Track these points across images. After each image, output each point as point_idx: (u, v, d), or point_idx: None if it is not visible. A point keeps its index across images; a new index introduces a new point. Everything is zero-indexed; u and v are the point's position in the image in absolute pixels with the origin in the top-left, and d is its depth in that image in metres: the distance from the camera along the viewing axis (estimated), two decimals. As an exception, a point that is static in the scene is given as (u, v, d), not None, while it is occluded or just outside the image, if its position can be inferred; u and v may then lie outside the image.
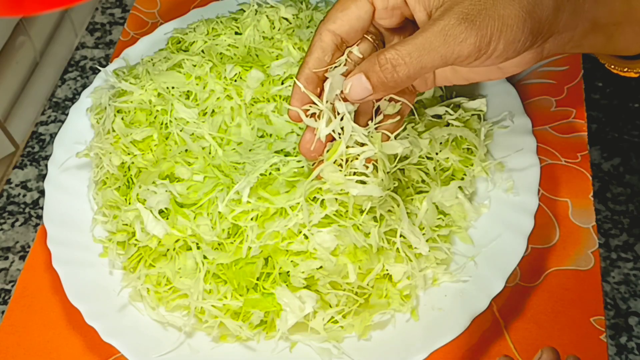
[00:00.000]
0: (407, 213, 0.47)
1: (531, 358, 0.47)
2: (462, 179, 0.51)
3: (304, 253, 0.45)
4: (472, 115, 0.54)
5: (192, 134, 0.54)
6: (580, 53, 0.43)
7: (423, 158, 0.51)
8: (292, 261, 0.45)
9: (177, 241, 0.48)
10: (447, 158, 0.51)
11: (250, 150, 0.52)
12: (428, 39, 0.36)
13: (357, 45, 0.41)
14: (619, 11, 0.40)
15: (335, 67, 0.41)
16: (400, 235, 0.46)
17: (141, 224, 0.48)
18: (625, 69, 0.45)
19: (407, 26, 0.42)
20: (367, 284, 0.46)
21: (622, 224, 0.54)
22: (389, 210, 0.47)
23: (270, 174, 0.48)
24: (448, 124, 0.53)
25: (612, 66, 0.46)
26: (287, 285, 0.45)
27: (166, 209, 0.48)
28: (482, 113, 0.55)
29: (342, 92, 0.40)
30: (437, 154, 0.51)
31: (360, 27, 0.40)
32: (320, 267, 0.45)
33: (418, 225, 0.47)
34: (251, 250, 0.45)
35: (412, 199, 0.49)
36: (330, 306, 0.46)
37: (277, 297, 0.45)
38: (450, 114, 0.53)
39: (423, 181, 0.50)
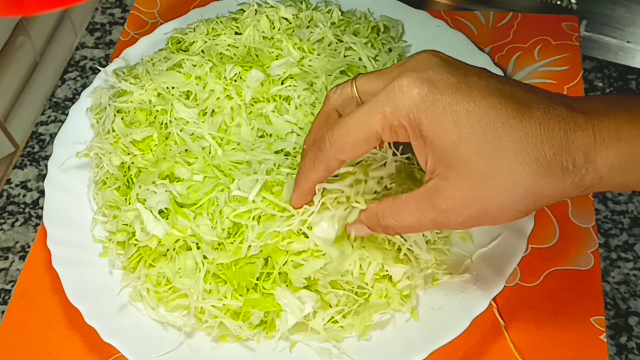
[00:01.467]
0: None
1: (531, 358, 0.47)
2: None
3: (305, 252, 0.45)
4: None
5: (192, 134, 0.54)
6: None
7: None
8: (292, 261, 0.45)
9: (177, 241, 0.48)
10: None
11: (251, 150, 0.52)
12: (415, 200, 0.37)
13: None
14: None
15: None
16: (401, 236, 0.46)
17: (141, 224, 0.48)
18: None
19: None
20: (367, 284, 0.46)
21: (622, 224, 0.54)
22: None
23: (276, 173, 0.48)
24: None
25: None
26: (287, 285, 0.45)
27: (166, 209, 0.48)
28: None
29: None
30: None
31: (362, 154, 0.40)
32: (325, 264, 0.45)
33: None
34: (251, 249, 0.45)
35: None
36: (330, 306, 0.46)
37: (277, 298, 0.45)
38: None
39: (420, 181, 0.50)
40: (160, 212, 0.48)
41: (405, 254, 0.46)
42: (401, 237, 0.46)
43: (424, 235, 0.47)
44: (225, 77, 0.56)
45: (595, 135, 0.33)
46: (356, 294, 0.46)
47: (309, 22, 0.61)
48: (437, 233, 0.48)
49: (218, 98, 0.55)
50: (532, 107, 0.34)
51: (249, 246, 0.45)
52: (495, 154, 0.34)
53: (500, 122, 0.34)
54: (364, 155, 0.42)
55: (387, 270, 0.46)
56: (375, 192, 0.46)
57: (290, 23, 0.61)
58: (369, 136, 0.37)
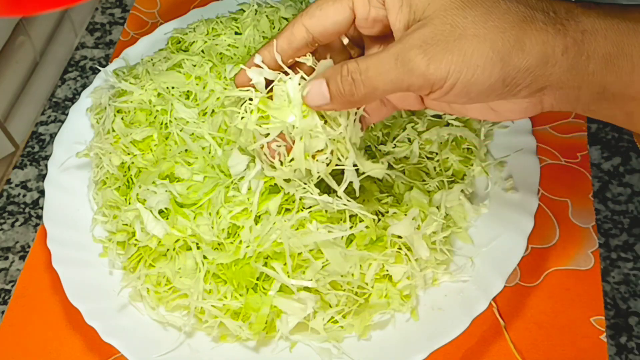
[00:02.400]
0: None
1: (531, 358, 0.47)
2: (463, 179, 0.51)
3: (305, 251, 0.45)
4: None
5: (192, 134, 0.54)
6: (601, 120, 0.37)
7: (423, 158, 0.51)
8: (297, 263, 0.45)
9: (177, 241, 0.48)
10: (447, 158, 0.51)
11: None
12: (382, 61, 0.34)
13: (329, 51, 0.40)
14: (637, 85, 0.34)
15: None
16: (399, 237, 0.46)
17: (141, 224, 0.48)
18: None
19: (390, 36, 0.38)
20: (367, 284, 0.46)
21: (622, 224, 0.54)
22: (395, 214, 0.47)
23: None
24: (448, 124, 0.53)
25: None
26: (282, 292, 0.45)
27: (166, 209, 0.48)
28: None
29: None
30: (436, 154, 0.51)
31: (335, 31, 0.38)
32: (326, 263, 0.45)
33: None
34: (249, 249, 0.45)
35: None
36: (330, 306, 0.46)
37: (277, 303, 0.45)
38: (450, 114, 0.53)
39: (424, 181, 0.50)
40: (160, 212, 0.48)
41: (405, 254, 0.46)
42: (399, 236, 0.46)
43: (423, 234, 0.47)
44: (225, 77, 0.56)
45: (578, 6, 0.33)
46: (356, 294, 0.46)
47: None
48: (435, 233, 0.48)
49: (218, 98, 0.55)
50: None
51: (248, 246, 0.45)
52: (473, 13, 0.33)
53: None
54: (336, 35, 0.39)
55: (387, 270, 0.46)
56: None
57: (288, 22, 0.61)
58: (342, 8, 0.37)
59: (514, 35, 0.32)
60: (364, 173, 0.42)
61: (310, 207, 0.45)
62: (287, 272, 0.44)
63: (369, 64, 0.35)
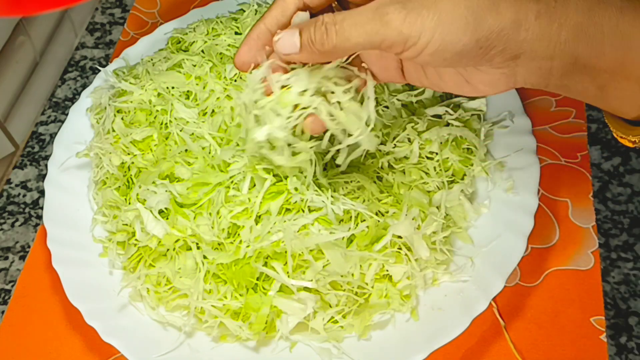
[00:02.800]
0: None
1: (531, 358, 0.47)
2: (463, 179, 0.51)
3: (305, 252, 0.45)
4: (472, 115, 0.54)
5: (192, 134, 0.54)
6: (572, 97, 0.38)
7: (423, 158, 0.51)
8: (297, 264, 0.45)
9: (177, 241, 0.48)
10: (447, 158, 0.51)
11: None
12: (360, 13, 0.34)
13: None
14: (609, 57, 0.35)
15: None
16: (399, 237, 0.46)
17: (141, 224, 0.48)
18: (620, 135, 0.40)
19: None
20: (367, 284, 0.46)
21: (622, 224, 0.54)
22: (395, 213, 0.47)
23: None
24: (448, 124, 0.53)
25: (615, 131, 0.41)
26: (282, 292, 0.45)
27: (166, 209, 0.48)
28: (482, 113, 0.55)
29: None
30: (436, 153, 0.51)
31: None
32: (327, 263, 0.45)
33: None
34: (249, 249, 0.45)
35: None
36: (330, 306, 0.46)
37: (277, 303, 0.45)
38: (450, 114, 0.53)
39: (424, 181, 0.50)
40: (160, 212, 0.48)
41: (405, 254, 0.46)
42: (399, 236, 0.46)
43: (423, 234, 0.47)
44: (225, 77, 0.56)
45: None
46: (356, 294, 0.46)
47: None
48: (435, 233, 0.48)
49: (218, 98, 0.55)
50: None
51: (248, 246, 0.45)
52: None
53: None
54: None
55: (387, 270, 0.46)
56: None
57: None
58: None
59: None
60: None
61: (309, 206, 0.45)
62: (287, 273, 0.44)
63: (346, 15, 0.34)
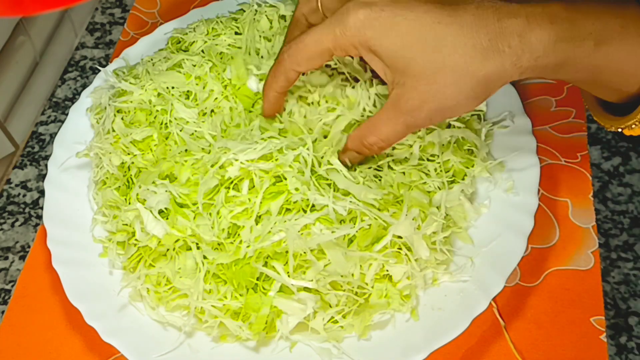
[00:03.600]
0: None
1: (531, 358, 0.47)
2: (463, 179, 0.51)
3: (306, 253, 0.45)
4: (472, 115, 0.54)
5: (192, 134, 0.54)
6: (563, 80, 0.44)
7: (424, 160, 0.51)
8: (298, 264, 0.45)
9: (177, 241, 0.48)
10: (448, 160, 0.51)
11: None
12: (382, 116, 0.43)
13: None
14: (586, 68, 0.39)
15: None
16: (399, 237, 0.46)
17: (141, 224, 0.48)
18: (608, 125, 0.43)
19: None
20: (367, 284, 0.46)
21: (622, 224, 0.54)
22: (394, 213, 0.47)
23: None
24: (449, 125, 0.52)
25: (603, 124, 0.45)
26: (282, 292, 0.45)
27: (166, 209, 0.48)
28: (482, 113, 0.55)
29: None
30: (438, 156, 0.51)
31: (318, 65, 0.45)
32: (328, 263, 0.45)
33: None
34: (250, 249, 0.45)
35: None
36: (330, 306, 0.45)
37: (277, 303, 0.45)
38: None
39: (424, 182, 0.50)
40: (160, 212, 0.48)
41: (405, 254, 0.46)
42: (399, 236, 0.46)
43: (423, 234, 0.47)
44: (224, 79, 0.56)
45: (528, 20, 0.37)
46: (356, 294, 0.46)
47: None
48: (435, 233, 0.47)
49: (216, 99, 0.55)
50: (466, 2, 0.38)
51: (248, 246, 0.45)
52: (438, 51, 0.38)
53: (437, 22, 0.38)
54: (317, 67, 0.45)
55: (387, 270, 0.46)
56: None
57: (286, 21, 0.61)
58: (322, 52, 0.42)
59: (479, 66, 0.38)
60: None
61: (313, 204, 0.45)
62: (288, 273, 0.44)
63: (381, 128, 0.44)
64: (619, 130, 0.42)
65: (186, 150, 0.53)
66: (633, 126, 0.41)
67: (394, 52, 0.39)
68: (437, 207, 0.49)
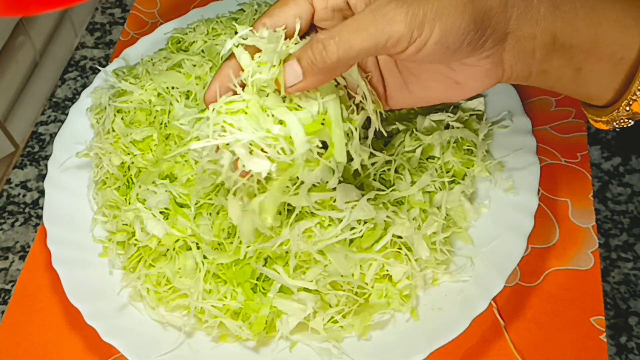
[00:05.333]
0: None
1: (531, 358, 0.47)
2: (463, 179, 0.51)
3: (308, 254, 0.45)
4: (471, 115, 0.54)
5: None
6: (550, 87, 0.40)
7: (424, 161, 0.51)
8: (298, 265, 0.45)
9: (177, 241, 0.48)
10: (448, 161, 0.51)
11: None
12: (358, 20, 0.34)
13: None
14: (582, 33, 0.37)
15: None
16: (399, 237, 0.46)
17: (141, 224, 0.48)
18: (594, 119, 0.42)
19: None
20: (367, 284, 0.46)
21: (622, 224, 0.54)
22: (394, 212, 0.47)
23: None
24: (448, 126, 0.52)
25: (589, 115, 0.43)
26: (283, 292, 0.45)
27: (166, 209, 0.48)
28: (481, 113, 0.55)
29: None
30: (439, 158, 0.51)
31: (297, 26, 0.38)
32: (328, 263, 0.45)
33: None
34: (250, 249, 0.45)
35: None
36: (330, 306, 0.46)
37: (277, 304, 0.45)
38: (450, 117, 0.53)
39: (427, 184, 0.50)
40: (160, 212, 0.48)
41: (405, 254, 0.46)
42: (399, 236, 0.46)
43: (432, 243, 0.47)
44: None
45: None
46: (356, 294, 0.46)
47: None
48: (435, 233, 0.47)
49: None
50: None
51: (248, 246, 0.45)
52: None
53: None
54: None
55: (387, 270, 0.46)
56: None
57: None
58: (301, 2, 0.37)
59: None
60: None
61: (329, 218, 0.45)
62: (288, 273, 0.44)
63: (342, 26, 0.34)
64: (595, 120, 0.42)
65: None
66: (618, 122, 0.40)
67: None
68: (438, 208, 0.49)
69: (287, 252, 0.45)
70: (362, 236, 0.45)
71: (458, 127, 0.52)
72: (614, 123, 0.40)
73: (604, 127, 0.41)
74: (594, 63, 0.38)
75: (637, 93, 0.37)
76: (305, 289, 0.45)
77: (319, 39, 0.35)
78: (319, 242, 0.44)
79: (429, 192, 0.50)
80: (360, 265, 0.46)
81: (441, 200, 0.49)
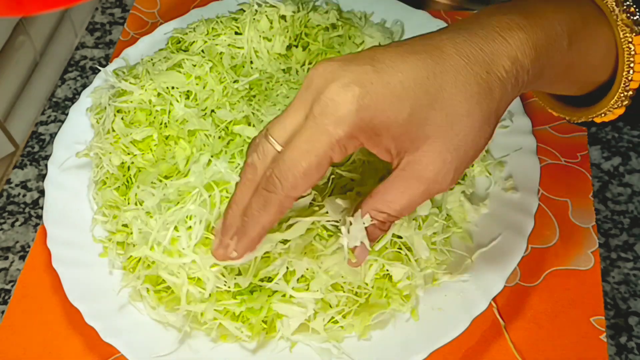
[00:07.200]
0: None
1: (531, 358, 0.47)
2: (463, 179, 0.51)
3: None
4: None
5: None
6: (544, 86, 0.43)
7: None
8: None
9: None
10: None
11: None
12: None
13: None
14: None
15: None
16: (399, 237, 0.46)
17: (139, 226, 0.48)
18: (576, 117, 0.44)
19: None
20: (367, 284, 0.46)
21: (622, 224, 0.54)
22: None
23: None
24: None
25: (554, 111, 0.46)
26: (282, 296, 0.45)
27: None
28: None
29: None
30: None
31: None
32: (329, 272, 0.45)
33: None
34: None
35: None
36: (331, 307, 0.45)
37: (274, 307, 0.45)
38: None
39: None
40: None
41: (405, 254, 0.46)
42: (399, 236, 0.46)
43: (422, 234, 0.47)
44: (225, 78, 0.56)
45: (504, 37, 0.36)
46: (356, 294, 0.46)
47: (307, 22, 0.61)
48: (435, 234, 0.47)
49: (218, 99, 0.55)
50: (441, 47, 0.35)
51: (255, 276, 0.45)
52: (447, 103, 0.34)
53: (431, 75, 0.34)
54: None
55: (387, 270, 0.46)
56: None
57: (286, 22, 0.61)
58: (319, 162, 0.35)
59: (488, 99, 0.36)
60: None
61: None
62: (293, 287, 0.45)
63: (393, 204, 0.37)
64: (590, 119, 0.42)
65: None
66: (606, 113, 0.41)
67: (404, 122, 0.34)
68: (438, 208, 0.49)
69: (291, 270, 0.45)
70: None
71: None
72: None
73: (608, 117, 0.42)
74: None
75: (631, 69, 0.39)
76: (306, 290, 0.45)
77: (375, 213, 0.37)
78: (321, 256, 0.44)
79: None
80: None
81: (441, 200, 0.49)
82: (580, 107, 0.43)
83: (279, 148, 0.36)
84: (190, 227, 0.45)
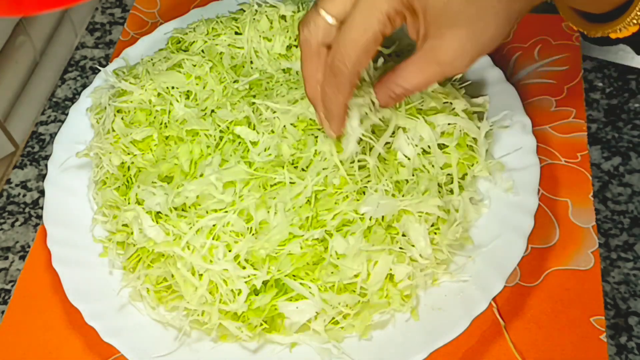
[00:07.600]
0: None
1: (531, 358, 0.47)
2: (464, 178, 0.51)
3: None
4: (473, 113, 0.54)
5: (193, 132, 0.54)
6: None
7: (421, 155, 0.50)
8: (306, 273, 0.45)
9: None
10: (448, 165, 0.51)
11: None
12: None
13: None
14: None
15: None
16: (403, 235, 0.46)
17: (139, 226, 0.48)
18: (593, 32, 0.45)
19: None
20: (368, 285, 0.46)
21: (622, 224, 0.54)
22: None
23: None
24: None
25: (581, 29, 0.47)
26: (285, 291, 0.45)
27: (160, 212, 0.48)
28: (485, 110, 0.55)
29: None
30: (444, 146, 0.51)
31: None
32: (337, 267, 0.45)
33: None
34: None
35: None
36: (332, 307, 0.45)
37: (279, 308, 0.45)
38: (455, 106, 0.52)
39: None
40: (159, 214, 0.48)
41: (409, 256, 0.46)
42: (404, 235, 0.46)
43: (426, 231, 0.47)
44: (225, 78, 0.56)
45: None
46: (360, 294, 0.46)
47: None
48: (436, 234, 0.47)
49: (217, 99, 0.55)
50: None
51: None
52: None
53: None
54: None
55: (390, 270, 0.46)
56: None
57: (287, 22, 0.61)
58: (375, 37, 0.39)
59: None
60: None
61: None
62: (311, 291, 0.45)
63: (410, 79, 0.41)
64: (607, 34, 0.44)
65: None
66: (621, 29, 0.43)
67: (440, 7, 0.37)
68: (446, 211, 0.48)
69: (314, 263, 0.45)
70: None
71: (463, 118, 0.52)
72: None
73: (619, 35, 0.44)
74: None
75: None
76: (311, 293, 0.45)
77: (391, 86, 0.42)
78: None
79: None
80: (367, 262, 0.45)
81: (458, 205, 0.49)
82: (599, 23, 0.45)
83: (330, 20, 0.40)
84: (236, 241, 0.45)
